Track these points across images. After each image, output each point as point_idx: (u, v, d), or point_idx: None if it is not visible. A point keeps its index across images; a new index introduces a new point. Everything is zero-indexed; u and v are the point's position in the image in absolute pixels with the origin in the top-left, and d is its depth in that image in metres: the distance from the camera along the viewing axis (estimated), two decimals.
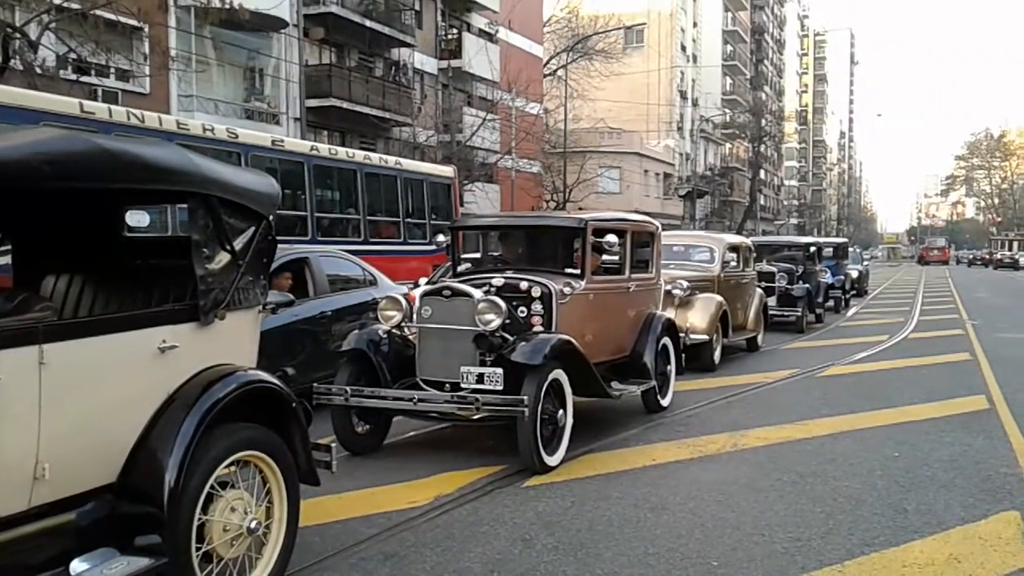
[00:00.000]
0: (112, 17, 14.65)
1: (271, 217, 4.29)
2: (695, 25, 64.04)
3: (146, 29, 17.85)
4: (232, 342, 3.98)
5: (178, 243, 4.29)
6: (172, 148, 4.02)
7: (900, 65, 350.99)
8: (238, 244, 4.02)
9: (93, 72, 17.56)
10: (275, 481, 3.93)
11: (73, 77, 16.13)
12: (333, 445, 4.47)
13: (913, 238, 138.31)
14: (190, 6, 19.19)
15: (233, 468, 3.74)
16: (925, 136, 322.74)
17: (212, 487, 3.58)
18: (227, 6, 16.10)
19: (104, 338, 3.34)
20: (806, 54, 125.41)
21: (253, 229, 4.15)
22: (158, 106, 17.24)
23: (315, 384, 6.49)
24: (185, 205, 3.93)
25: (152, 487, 3.36)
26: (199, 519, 3.51)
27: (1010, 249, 79.07)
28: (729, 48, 71.57)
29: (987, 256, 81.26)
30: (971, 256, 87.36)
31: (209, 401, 3.58)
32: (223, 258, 3.92)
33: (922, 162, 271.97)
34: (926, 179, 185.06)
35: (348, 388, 6.39)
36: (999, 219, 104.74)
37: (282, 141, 13.32)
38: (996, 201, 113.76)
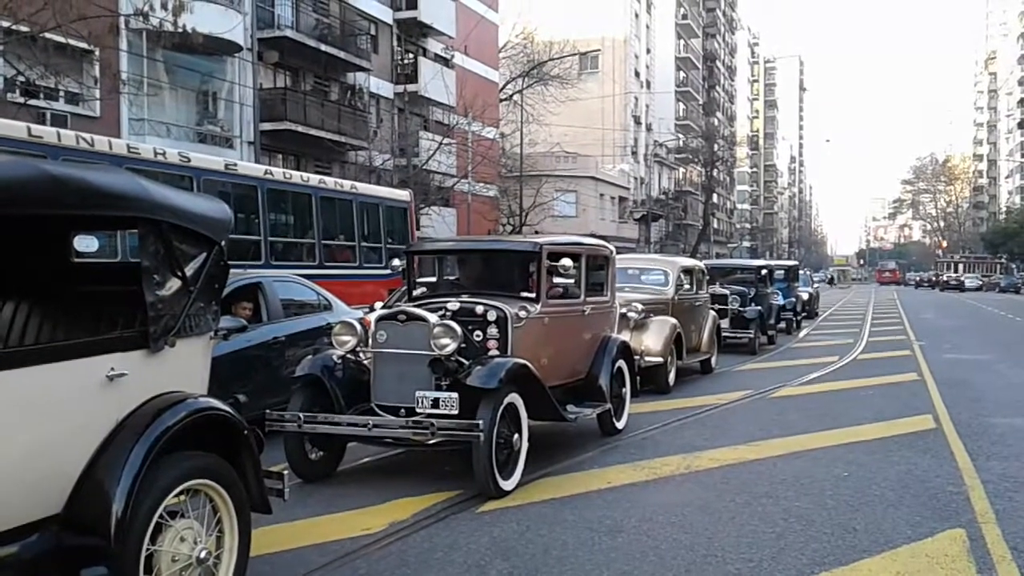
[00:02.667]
0: (62, 40, 14.44)
1: (223, 243, 4.26)
2: (648, 52, 64.99)
3: (96, 52, 17.63)
4: (183, 369, 3.94)
5: (128, 269, 4.24)
6: (122, 173, 3.99)
7: (848, 92, 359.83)
8: (189, 270, 3.98)
9: (42, 95, 17.27)
10: (226, 510, 3.88)
11: (21, 100, 15.86)
12: (285, 472, 4.43)
13: (863, 262, 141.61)
14: (142, 30, 18.99)
15: (183, 497, 3.68)
16: (873, 161, 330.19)
17: (161, 517, 3.53)
18: (180, 30, 15.96)
19: (50, 366, 3.28)
20: (757, 81, 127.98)
21: (205, 255, 4.11)
22: (108, 130, 17.02)
23: (268, 410, 6.42)
24: (135, 231, 3.89)
25: (99, 518, 3.29)
26: (147, 550, 3.45)
27: (955, 271, 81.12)
28: (682, 74, 72.76)
29: (934, 278, 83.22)
30: (918, 278, 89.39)
31: (158, 429, 3.53)
32: (174, 284, 3.88)
33: (870, 186, 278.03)
34: (874, 203, 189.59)
35: (301, 415, 6.32)
36: (945, 242, 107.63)
37: (235, 165, 13.23)
38: (942, 224, 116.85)
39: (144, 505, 3.41)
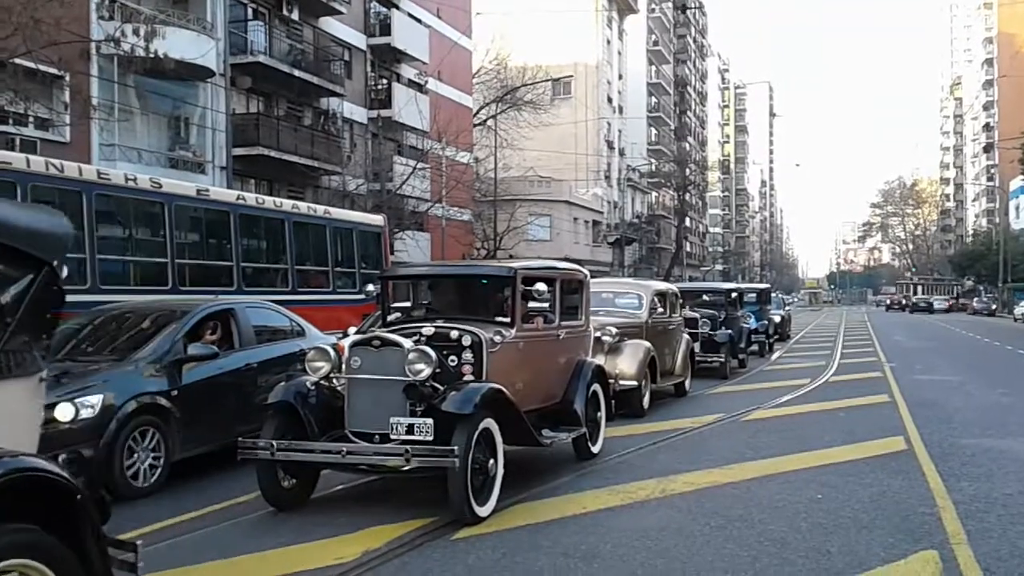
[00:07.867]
0: (32, 66, 14.34)
1: (57, 262, 3.47)
2: (620, 77, 65.67)
3: (67, 78, 17.53)
4: None
5: None
6: None
7: (817, 117, 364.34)
8: (5, 297, 3.29)
9: (11, 121, 17.14)
10: None
11: None
12: (139, 542, 3.56)
13: (833, 285, 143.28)
14: (113, 55, 18.90)
15: None
16: (842, 185, 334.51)
17: None
18: (152, 55, 15.92)
19: None
20: (727, 106, 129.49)
21: (30, 278, 3.36)
22: (79, 155, 16.88)
23: (240, 438, 6.35)
24: None
25: None
26: None
27: (925, 293, 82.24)
28: (653, 100, 73.47)
29: (903, 300, 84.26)
30: (888, 300, 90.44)
31: None
32: None
33: (840, 210, 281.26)
34: (844, 226, 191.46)
35: (274, 442, 6.24)
36: (914, 265, 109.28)
37: (208, 190, 13.18)
38: (910, 247, 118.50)
39: None
